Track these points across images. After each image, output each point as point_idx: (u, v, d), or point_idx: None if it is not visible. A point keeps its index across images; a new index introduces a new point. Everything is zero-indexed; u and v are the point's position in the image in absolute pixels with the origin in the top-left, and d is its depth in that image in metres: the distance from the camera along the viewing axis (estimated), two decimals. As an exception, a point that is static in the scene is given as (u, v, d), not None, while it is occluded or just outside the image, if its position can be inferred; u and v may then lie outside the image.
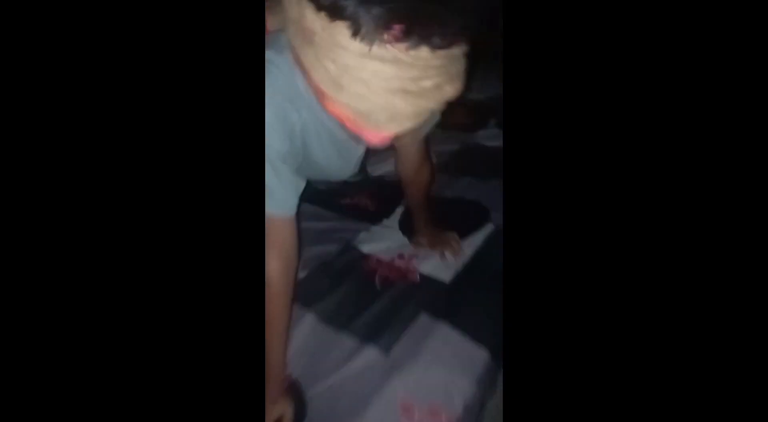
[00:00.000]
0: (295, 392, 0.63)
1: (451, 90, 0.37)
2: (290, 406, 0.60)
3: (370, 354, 0.66)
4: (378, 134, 0.40)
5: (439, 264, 0.79)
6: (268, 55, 0.49)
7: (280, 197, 0.55)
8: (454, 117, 0.49)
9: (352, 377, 0.64)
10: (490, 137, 1.16)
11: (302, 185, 0.58)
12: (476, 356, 0.62)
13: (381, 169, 1.06)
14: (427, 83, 0.35)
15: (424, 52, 0.33)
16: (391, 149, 0.80)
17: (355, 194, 1.01)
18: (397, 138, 0.43)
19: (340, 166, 0.65)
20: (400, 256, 0.83)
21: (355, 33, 0.32)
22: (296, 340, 0.69)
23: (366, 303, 0.74)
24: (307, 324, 0.72)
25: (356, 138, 0.52)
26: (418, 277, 0.77)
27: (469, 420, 0.58)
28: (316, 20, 0.34)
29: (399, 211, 0.95)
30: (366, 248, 0.86)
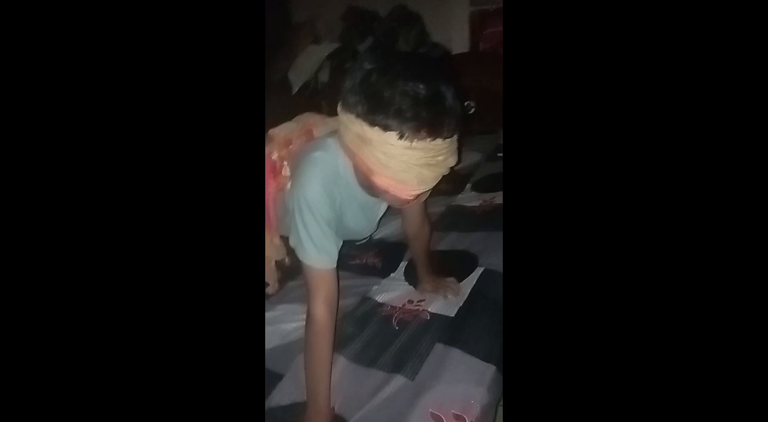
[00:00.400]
0: (338, 420, 0.76)
1: (453, 160, 0.62)
2: (337, 432, 0.72)
3: (398, 382, 0.79)
4: (409, 193, 0.61)
5: (444, 303, 0.94)
6: (318, 153, 0.69)
7: (327, 252, 0.72)
8: (437, 185, 0.69)
9: (386, 400, 0.77)
10: (468, 199, 1.37)
11: (340, 243, 0.76)
12: (485, 370, 0.77)
13: (382, 232, 1.25)
14: (440, 158, 0.59)
15: (438, 141, 0.58)
16: (394, 215, 0.99)
17: (363, 255, 1.19)
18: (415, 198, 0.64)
19: (365, 226, 0.84)
20: (410, 301, 0.99)
21: (401, 137, 0.55)
22: (331, 380, 0.79)
23: (388, 342, 0.88)
24: (340, 366, 0.85)
25: (379, 201, 0.72)
26: (428, 315, 0.92)
27: (487, 418, 0.72)
28: (372, 131, 0.57)
29: (402, 265, 1.12)
30: (380, 298, 1.02)
